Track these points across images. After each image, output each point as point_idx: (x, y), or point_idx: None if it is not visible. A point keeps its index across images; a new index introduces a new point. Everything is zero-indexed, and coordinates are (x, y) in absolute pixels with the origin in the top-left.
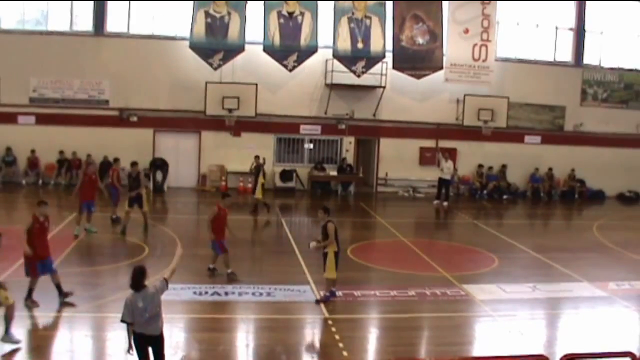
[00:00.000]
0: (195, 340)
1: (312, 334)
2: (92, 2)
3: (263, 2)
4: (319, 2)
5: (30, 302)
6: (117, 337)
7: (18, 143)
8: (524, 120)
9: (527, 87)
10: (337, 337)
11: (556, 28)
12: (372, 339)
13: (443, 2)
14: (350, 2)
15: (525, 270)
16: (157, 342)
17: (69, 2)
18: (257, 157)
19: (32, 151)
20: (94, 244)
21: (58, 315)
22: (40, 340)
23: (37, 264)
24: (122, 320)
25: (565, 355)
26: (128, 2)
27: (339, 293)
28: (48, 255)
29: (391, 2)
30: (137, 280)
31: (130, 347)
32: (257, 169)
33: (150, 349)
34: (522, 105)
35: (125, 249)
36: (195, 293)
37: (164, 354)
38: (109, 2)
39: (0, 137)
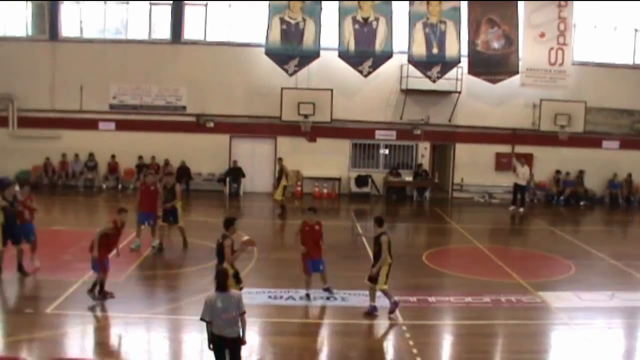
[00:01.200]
0: (269, 344)
1: (386, 339)
2: (170, 10)
3: (338, 8)
4: (393, 7)
5: (107, 295)
6: (192, 339)
7: (99, 148)
8: (601, 125)
9: (604, 91)
10: (411, 342)
11: (635, 30)
12: (446, 345)
13: (518, 5)
14: (425, 7)
15: (602, 277)
16: (234, 345)
17: (148, 10)
18: (280, 160)
19: (113, 156)
20: (169, 248)
21: (136, 316)
22: (116, 340)
23: (106, 261)
24: (201, 319)
25: None
26: (205, 9)
27: (413, 299)
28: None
29: (466, 6)
30: (221, 280)
31: (210, 342)
32: (280, 171)
33: (227, 352)
34: (599, 110)
35: (203, 252)
36: (270, 297)
37: (240, 357)
38: (186, 10)
39: (82, 143)
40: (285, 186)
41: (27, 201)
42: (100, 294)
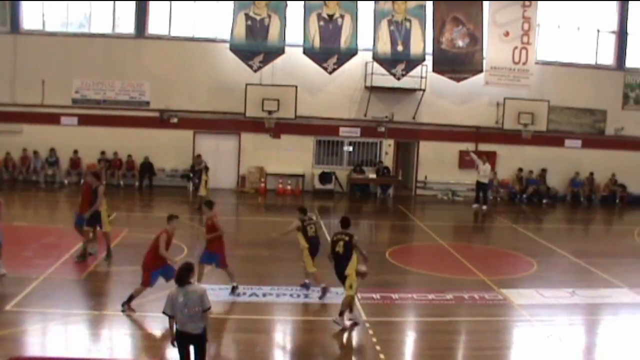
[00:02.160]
0: (232, 341)
1: (349, 336)
2: (134, 4)
3: (303, 4)
4: (359, 4)
5: (128, 308)
6: (155, 336)
7: (61, 143)
8: (564, 124)
9: (567, 91)
10: (374, 339)
11: (598, 31)
12: (409, 342)
13: (483, 4)
14: (391, 5)
15: (564, 275)
16: (198, 342)
17: (112, 4)
18: (199, 156)
19: (75, 152)
20: (134, 244)
21: (98, 314)
22: (77, 338)
23: (154, 273)
24: (164, 312)
25: None
26: (169, 4)
27: (376, 296)
28: (166, 263)
29: (431, 4)
30: (181, 276)
31: (173, 339)
32: (203, 168)
33: (192, 348)
34: (562, 109)
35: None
36: (233, 294)
37: (205, 354)
38: (150, 4)
39: (44, 137)
40: (206, 181)
41: None
42: (128, 303)
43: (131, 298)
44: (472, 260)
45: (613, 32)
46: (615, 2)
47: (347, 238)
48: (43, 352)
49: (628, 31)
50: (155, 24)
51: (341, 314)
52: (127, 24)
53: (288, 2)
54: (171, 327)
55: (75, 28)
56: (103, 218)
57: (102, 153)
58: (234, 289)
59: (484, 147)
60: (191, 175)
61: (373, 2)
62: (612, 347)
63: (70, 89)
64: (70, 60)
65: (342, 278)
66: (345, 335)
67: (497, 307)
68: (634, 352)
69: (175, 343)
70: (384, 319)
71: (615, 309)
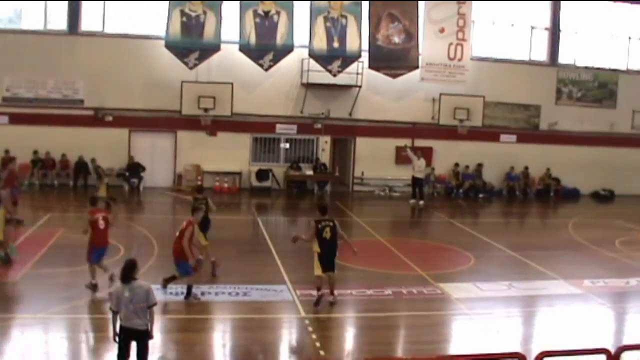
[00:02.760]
0: (171, 341)
1: (288, 333)
2: (67, 0)
3: (239, 1)
4: (295, 1)
5: (194, 297)
6: (91, 339)
7: None
8: (499, 119)
9: (502, 86)
10: (313, 336)
11: (531, 28)
12: (349, 338)
13: (419, 1)
14: (327, 1)
15: (501, 268)
16: (142, 338)
17: (43, 0)
18: (93, 160)
19: (6, 151)
20: (69, 245)
21: (32, 317)
22: (11, 341)
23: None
24: (110, 308)
25: (541, 353)
26: (103, 0)
27: (315, 292)
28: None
29: (367, 1)
30: (126, 272)
31: (115, 334)
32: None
33: (134, 345)
34: (497, 104)
35: None
36: (171, 293)
37: (148, 351)
38: (83, 0)
39: None
40: (107, 183)
41: None
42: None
43: (189, 289)
44: (410, 255)
45: (546, 29)
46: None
47: (331, 224)
48: None
49: (560, 28)
50: (89, 21)
51: (332, 292)
52: (59, 21)
53: None
54: (114, 322)
55: (4, 24)
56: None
57: (35, 152)
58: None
59: (420, 142)
60: (127, 174)
61: None
62: (549, 337)
63: (1, 87)
64: (0, 57)
65: (331, 262)
66: (285, 333)
67: (435, 301)
68: (570, 342)
69: (118, 339)
70: (324, 315)
71: (550, 300)
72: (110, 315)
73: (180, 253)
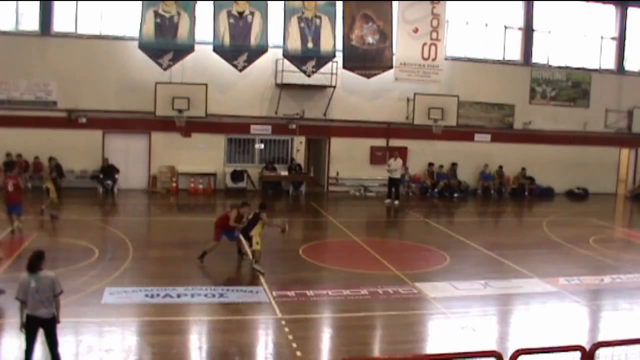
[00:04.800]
0: (147, 344)
1: (265, 334)
2: (38, 1)
3: (213, 2)
4: (269, 1)
5: (201, 262)
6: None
7: None
8: (473, 119)
9: (476, 86)
10: (290, 337)
11: (505, 27)
12: (326, 338)
13: (393, 2)
14: (301, 1)
15: (476, 267)
16: (48, 325)
17: (14, 1)
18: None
19: None
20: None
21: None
22: None
23: (223, 231)
24: (16, 298)
25: (517, 351)
26: (75, 1)
27: (291, 293)
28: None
29: (341, 1)
30: (32, 262)
31: (22, 325)
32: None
33: (42, 332)
34: (471, 104)
35: (76, 252)
36: (147, 295)
37: (57, 338)
38: (55, 1)
39: None
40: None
41: None
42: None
43: (204, 254)
44: (386, 255)
45: (520, 28)
46: (521, 0)
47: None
48: None
49: (534, 28)
50: (61, 21)
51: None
52: (31, 21)
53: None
54: (22, 312)
55: None
56: None
57: (7, 155)
58: None
59: (395, 142)
60: (101, 176)
61: None
62: (524, 335)
63: None
64: None
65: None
66: (261, 334)
67: (411, 300)
68: (545, 340)
69: (24, 329)
70: (300, 316)
71: (526, 298)
72: (18, 305)
73: (221, 221)
